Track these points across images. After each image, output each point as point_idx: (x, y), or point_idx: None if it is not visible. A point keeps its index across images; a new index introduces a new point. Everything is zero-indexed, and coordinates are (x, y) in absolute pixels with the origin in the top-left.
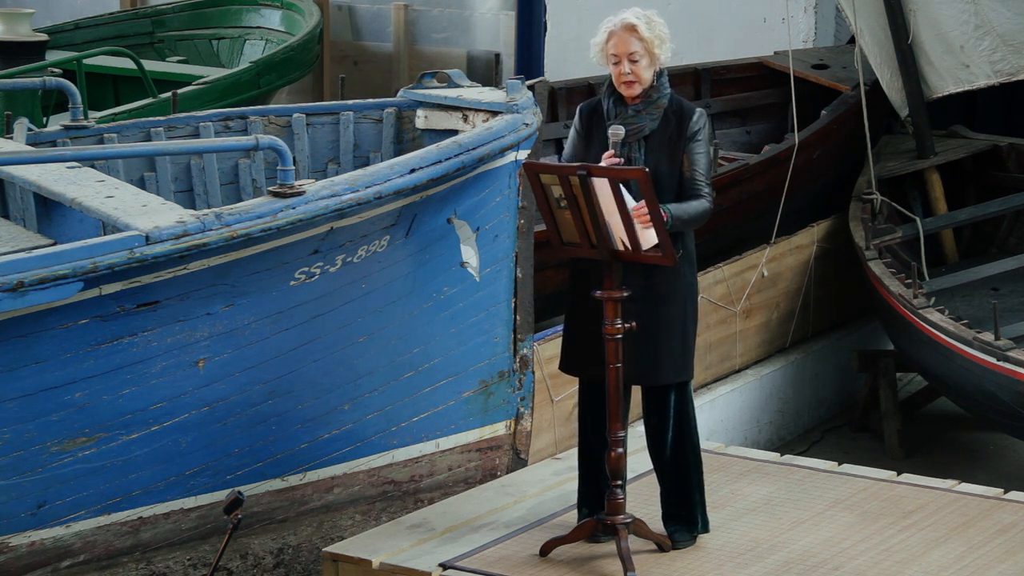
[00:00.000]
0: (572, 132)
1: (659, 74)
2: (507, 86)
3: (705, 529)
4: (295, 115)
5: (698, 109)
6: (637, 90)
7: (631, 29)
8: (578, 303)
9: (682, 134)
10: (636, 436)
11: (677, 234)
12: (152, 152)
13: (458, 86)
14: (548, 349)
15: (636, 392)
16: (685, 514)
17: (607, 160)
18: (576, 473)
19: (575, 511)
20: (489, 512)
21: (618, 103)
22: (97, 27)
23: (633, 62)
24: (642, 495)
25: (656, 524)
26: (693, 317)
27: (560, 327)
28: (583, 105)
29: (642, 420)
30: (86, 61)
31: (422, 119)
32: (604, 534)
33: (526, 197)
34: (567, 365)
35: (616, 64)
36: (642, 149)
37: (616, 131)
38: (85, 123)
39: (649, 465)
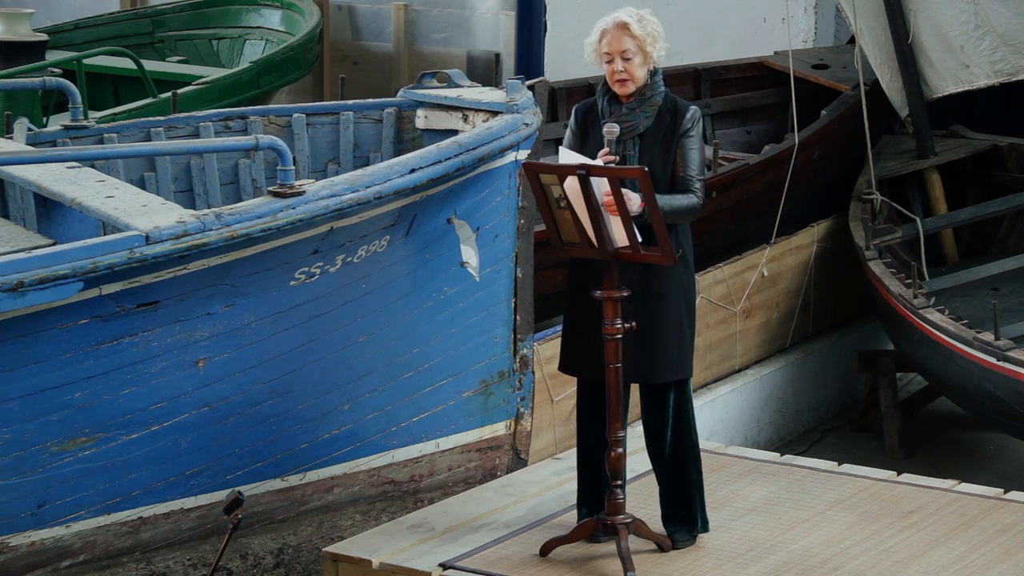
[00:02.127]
0: (568, 132)
1: (653, 72)
2: (507, 86)
3: (705, 529)
4: (295, 115)
5: (692, 106)
6: (630, 88)
7: (623, 27)
8: (576, 303)
9: (675, 131)
10: (636, 436)
11: (672, 232)
12: (152, 152)
13: (458, 86)
14: (548, 349)
15: (635, 391)
16: (685, 514)
17: (603, 158)
18: (575, 473)
19: (575, 511)
20: (489, 512)
21: (612, 101)
22: (97, 27)
23: (626, 60)
24: (642, 495)
25: (656, 524)
26: (689, 316)
27: (560, 327)
28: (578, 105)
29: (640, 420)
30: (86, 61)
31: (422, 119)
32: (604, 534)
33: (526, 197)
34: (566, 365)
35: (609, 63)
36: (637, 147)
37: (611, 129)
38: (85, 123)
39: (649, 465)
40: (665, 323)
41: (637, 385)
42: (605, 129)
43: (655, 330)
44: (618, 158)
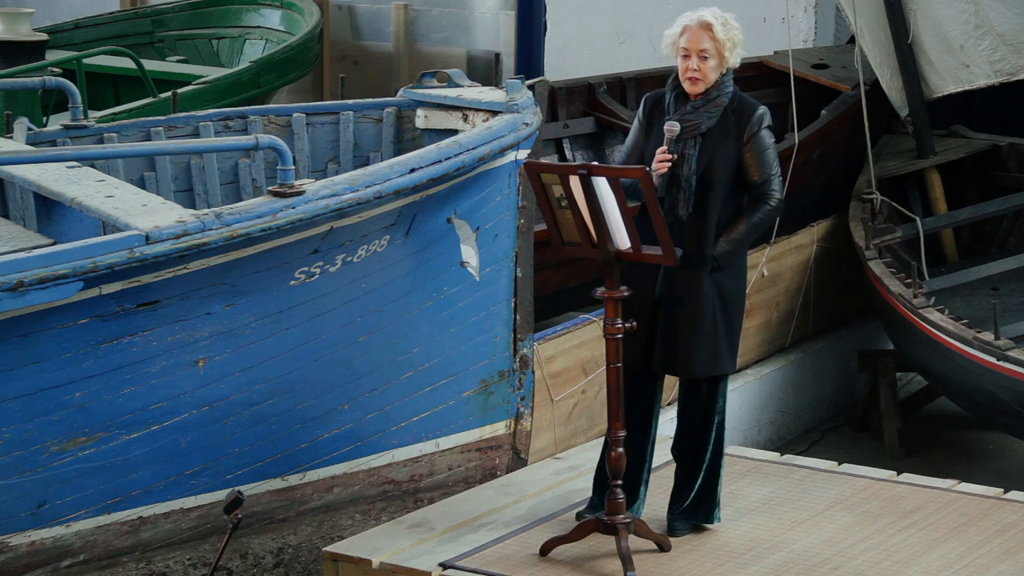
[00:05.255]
0: (635, 122)
1: (724, 73)
2: (507, 86)
3: (709, 520)
4: (295, 115)
5: (760, 108)
6: (701, 88)
7: (707, 27)
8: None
9: (740, 133)
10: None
11: (709, 238)
12: (152, 152)
13: (458, 86)
14: (548, 349)
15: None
16: (692, 507)
17: (660, 155)
18: (577, 472)
19: (575, 511)
20: (489, 512)
21: (679, 98)
22: (97, 27)
23: (703, 59)
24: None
25: (658, 523)
26: (726, 314)
27: (560, 327)
28: (648, 96)
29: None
30: (86, 61)
31: (422, 119)
32: (604, 533)
33: (526, 197)
34: None
35: (685, 58)
36: (697, 146)
37: (671, 127)
38: (85, 123)
39: (654, 462)
40: (700, 320)
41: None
42: (666, 127)
43: (692, 326)
44: (676, 156)
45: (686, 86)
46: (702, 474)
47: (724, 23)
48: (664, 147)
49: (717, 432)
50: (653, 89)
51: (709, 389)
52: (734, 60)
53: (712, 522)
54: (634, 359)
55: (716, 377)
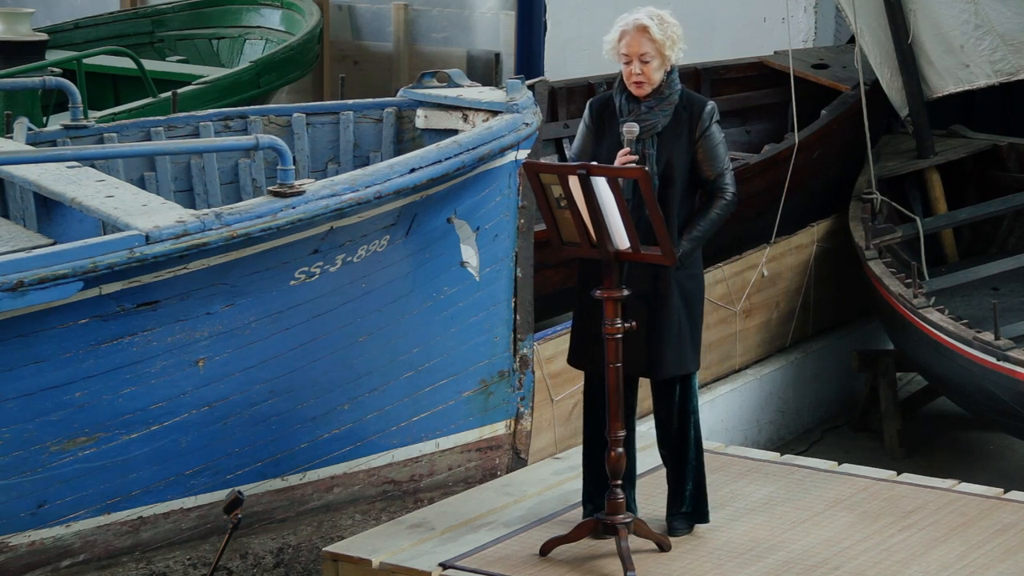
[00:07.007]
0: (582, 127)
1: (670, 71)
2: (507, 86)
3: (704, 520)
4: (295, 115)
5: (709, 103)
6: (647, 90)
7: (643, 30)
8: (586, 298)
9: (693, 129)
10: (640, 435)
11: (673, 237)
12: (152, 152)
13: (458, 86)
14: (548, 349)
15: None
16: (683, 504)
17: (622, 158)
18: (577, 472)
19: (575, 511)
20: (489, 512)
21: (630, 100)
22: (97, 27)
23: (644, 63)
24: (643, 493)
25: (656, 524)
26: (690, 313)
27: (560, 327)
28: (594, 100)
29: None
30: (86, 61)
31: (422, 119)
32: (604, 533)
33: (526, 197)
34: (575, 359)
35: (627, 64)
36: (655, 145)
37: (631, 129)
38: (85, 123)
39: (651, 463)
40: (666, 321)
41: (645, 380)
42: (624, 128)
43: (657, 327)
44: (637, 157)
45: (632, 89)
46: (691, 474)
47: (661, 22)
48: (626, 149)
49: (695, 430)
50: None
51: (682, 388)
52: (676, 56)
53: (707, 520)
54: (603, 363)
55: (686, 376)
